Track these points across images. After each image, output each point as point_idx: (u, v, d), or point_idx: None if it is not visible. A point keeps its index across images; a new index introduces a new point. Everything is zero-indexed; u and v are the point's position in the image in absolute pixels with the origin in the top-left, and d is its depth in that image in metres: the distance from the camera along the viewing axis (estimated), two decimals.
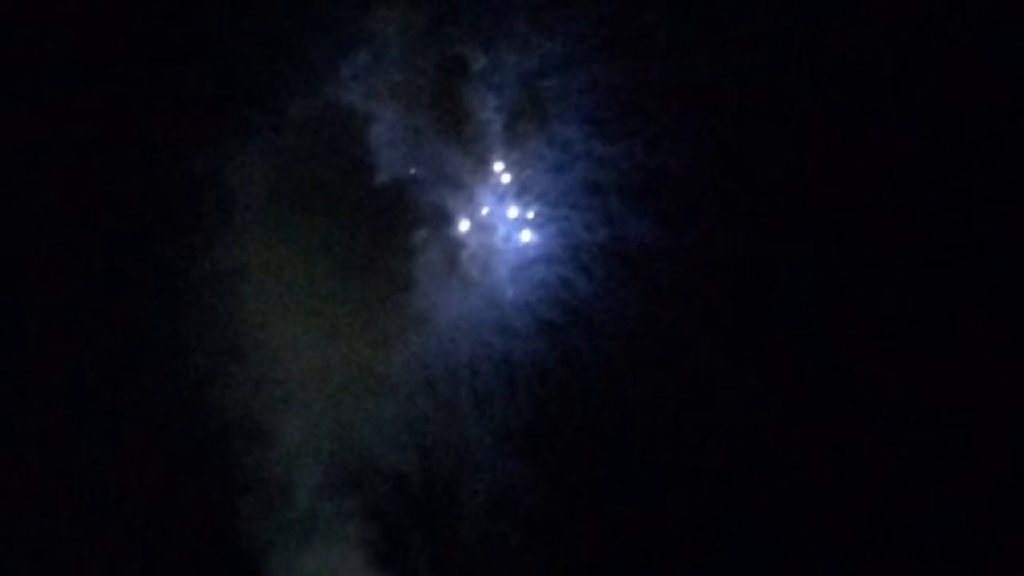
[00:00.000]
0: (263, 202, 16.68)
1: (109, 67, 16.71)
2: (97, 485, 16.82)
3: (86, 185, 16.81)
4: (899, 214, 17.03)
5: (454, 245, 17.02)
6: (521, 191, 17.17)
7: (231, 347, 16.64)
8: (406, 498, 17.08)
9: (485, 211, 17.23)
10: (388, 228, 16.69)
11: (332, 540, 17.08)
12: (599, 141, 16.67)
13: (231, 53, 16.54)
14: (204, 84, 16.59)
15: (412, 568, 17.18)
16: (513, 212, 17.22)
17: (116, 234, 16.91)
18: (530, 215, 17.20)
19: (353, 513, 17.06)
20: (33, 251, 16.81)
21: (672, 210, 16.57)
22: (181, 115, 16.62)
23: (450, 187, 17.02)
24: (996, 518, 16.69)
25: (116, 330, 16.69)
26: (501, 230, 17.22)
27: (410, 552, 17.17)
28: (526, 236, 17.20)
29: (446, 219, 17.00)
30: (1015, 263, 16.94)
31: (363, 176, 16.77)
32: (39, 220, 16.80)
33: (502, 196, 17.20)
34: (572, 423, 17.00)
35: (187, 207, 16.47)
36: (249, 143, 16.54)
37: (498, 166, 17.13)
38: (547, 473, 16.86)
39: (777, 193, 16.65)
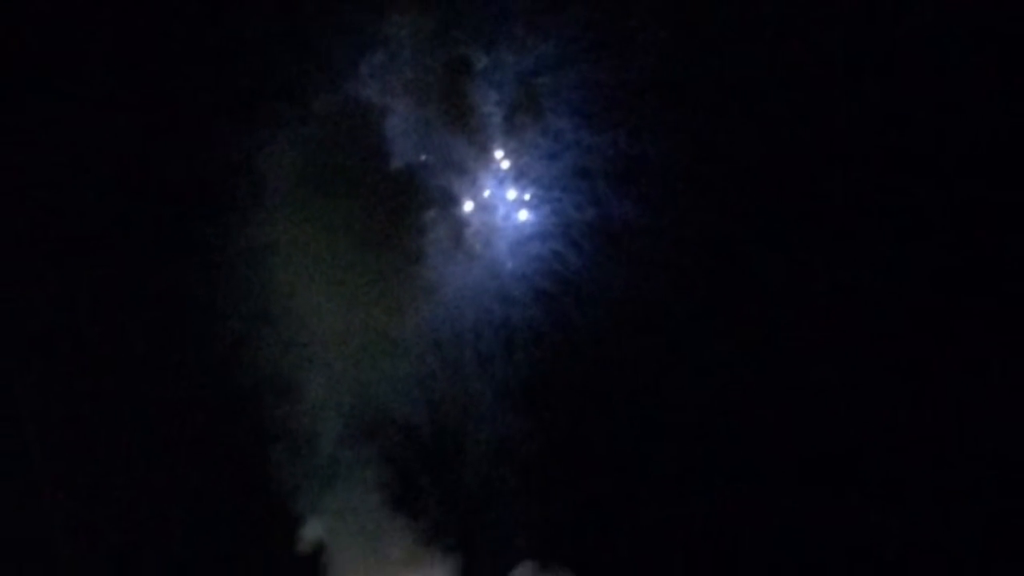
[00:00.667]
0: (291, 185, 16.99)
1: (157, 67, 16.94)
2: (144, 435, 17.31)
3: (137, 170, 17.07)
4: (858, 194, 17.28)
5: (459, 223, 17.37)
6: (519, 175, 17.46)
7: (263, 313, 17.05)
8: (417, 446, 17.52)
9: (487, 193, 17.50)
10: (401, 208, 16.97)
11: (352, 483, 17.48)
12: (588, 131, 16.96)
13: (263, 54, 16.69)
14: (239, 82, 16.72)
15: (422, 508, 17.56)
16: (512, 194, 17.50)
17: (163, 213, 17.14)
18: (527, 197, 17.46)
19: (370, 460, 17.49)
20: (91, 228, 17.22)
21: (652, 192, 16.83)
22: (219, 109, 16.75)
23: (456, 172, 17.30)
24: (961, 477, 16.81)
25: (162, 298, 17.00)
26: (501, 210, 17.55)
27: (420, 494, 17.61)
28: (523, 215, 17.50)
29: (452, 200, 17.33)
30: (978, 247, 17.09)
31: (379, 162, 17.03)
32: (96, 200, 17.14)
33: (502, 180, 17.49)
34: (564, 380, 17.22)
35: (224, 190, 16.79)
36: (278, 133, 16.88)
37: (498, 153, 17.40)
38: (542, 424, 17.10)
39: (746, 177, 16.95)
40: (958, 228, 17.26)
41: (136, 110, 16.97)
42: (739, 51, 16.73)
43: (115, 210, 17.21)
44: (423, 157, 17.30)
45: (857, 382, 17.18)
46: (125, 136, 17.03)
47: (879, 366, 17.28)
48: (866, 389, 17.21)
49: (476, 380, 17.34)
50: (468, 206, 17.48)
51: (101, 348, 17.26)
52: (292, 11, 16.76)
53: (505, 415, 17.19)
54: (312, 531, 17.48)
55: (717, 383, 17.01)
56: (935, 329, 17.18)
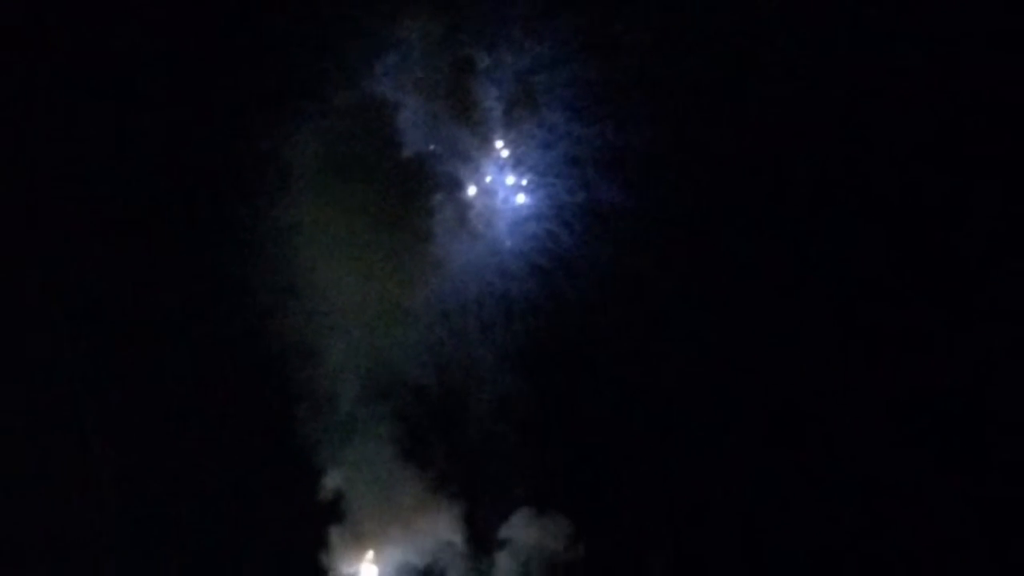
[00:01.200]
0: (313, 172, 17.56)
1: (196, 68, 17.82)
2: (184, 397, 18.09)
3: (177, 160, 17.94)
4: (824, 178, 18.01)
5: (464, 206, 18.01)
6: (517, 163, 18.10)
7: (288, 286, 17.67)
8: (426, 405, 18.13)
9: (488, 179, 18.15)
10: (411, 192, 17.58)
11: (368, 438, 18.02)
12: (579, 124, 17.65)
13: (288, 55, 17.40)
14: (267, 80, 17.44)
15: (430, 460, 18.17)
16: (510, 180, 18.14)
17: (201, 197, 18.07)
18: (524, 182, 18.10)
19: (384, 417, 18.03)
20: (137, 209, 18.02)
21: (636, 178, 17.59)
22: (249, 104, 17.46)
23: (460, 160, 17.96)
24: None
25: (200, 272, 17.75)
26: (501, 194, 18.19)
27: (429, 448, 18.22)
28: (521, 199, 18.16)
29: (457, 185, 17.97)
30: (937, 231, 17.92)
31: (392, 151, 17.63)
32: (142, 186, 18.06)
33: (502, 167, 18.13)
34: (557, 346, 17.99)
35: (255, 176, 17.50)
36: (302, 126, 17.55)
37: (499, 143, 18.04)
38: (538, 386, 17.88)
39: (721, 165, 17.64)
40: (917, 212, 18.10)
41: (176, 106, 17.98)
42: (716, 52, 17.45)
43: (161, 194, 18.10)
44: (431, 147, 17.90)
45: (817, 341, 17.99)
46: (169, 129, 18.00)
47: (839, 329, 18.13)
48: (824, 347, 17.98)
49: (479, 346, 18.06)
50: (471, 190, 18.10)
51: (145, 316, 18.13)
52: (313, 17, 17.46)
53: (505, 377, 17.93)
54: (332, 480, 18.06)
55: (694, 347, 17.81)
56: (899, 301, 18.04)
